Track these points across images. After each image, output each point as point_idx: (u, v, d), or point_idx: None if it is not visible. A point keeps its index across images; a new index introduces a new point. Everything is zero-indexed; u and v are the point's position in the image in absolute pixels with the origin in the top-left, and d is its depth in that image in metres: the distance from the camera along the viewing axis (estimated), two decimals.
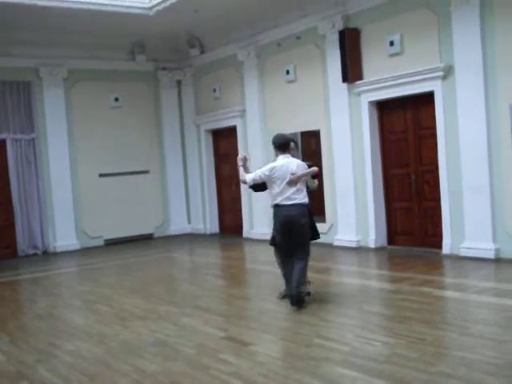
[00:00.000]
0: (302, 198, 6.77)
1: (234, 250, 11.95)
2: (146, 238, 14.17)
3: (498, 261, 8.48)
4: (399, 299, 6.74)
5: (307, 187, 6.97)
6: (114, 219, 13.73)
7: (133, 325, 6.40)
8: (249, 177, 6.93)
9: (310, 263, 9.47)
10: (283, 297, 7.04)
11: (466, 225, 8.95)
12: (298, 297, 6.56)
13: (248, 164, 7.23)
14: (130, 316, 6.82)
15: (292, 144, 7.05)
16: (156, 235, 14.42)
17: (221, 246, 12.85)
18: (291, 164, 6.79)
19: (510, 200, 8.44)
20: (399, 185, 10.28)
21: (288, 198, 6.70)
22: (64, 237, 13.08)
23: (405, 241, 10.23)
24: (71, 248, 13.06)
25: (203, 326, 6.18)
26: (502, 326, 5.48)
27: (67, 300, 8.36)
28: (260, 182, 6.93)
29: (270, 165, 6.89)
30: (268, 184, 6.90)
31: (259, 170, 6.91)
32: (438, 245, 9.41)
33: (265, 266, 9.77)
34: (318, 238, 7.22)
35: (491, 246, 8.61)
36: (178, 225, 14.68)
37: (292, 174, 6.70)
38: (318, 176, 7.28)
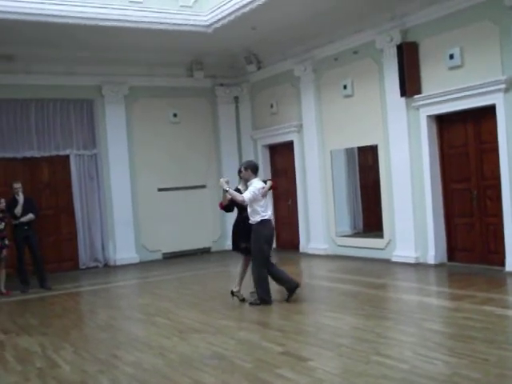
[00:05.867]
0: None
1: (290, 265, 11.89)
2: (204, 252, 14.31)
3: None
4: (460, 317, 6.59)
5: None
6: (172, 233, 13.93)
7: (191, 338, 6.48)
8: (246, 196, 7.78)
9: (368, 279, 9.47)
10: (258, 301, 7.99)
11: None
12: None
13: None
14: (188, 329, 6.90)
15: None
16: (213, 249, 14.55)
17: (277, 261, 12.78)
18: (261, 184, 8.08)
19: None
20: (460, 200, 10.07)
21: (270, 215, 8.06)
22: (124, 250, 13.36)
23: (465, 257, 9.99)
24: (131, 261, 13.32)
25: (260, 340, 6.19)
26: None
27: (127, 312, 8.53)
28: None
29: (257, 185, 7.91)
30: (253, 202, 7.84)
31: (251, 191, 7.81)
32: (501, 262, 9.15)
33: (322, 281, 9.74)
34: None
35: None
36: None
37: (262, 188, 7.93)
38: (275, 188, 8.53)
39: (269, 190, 8.08)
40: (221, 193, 8.32)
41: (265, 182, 8.17)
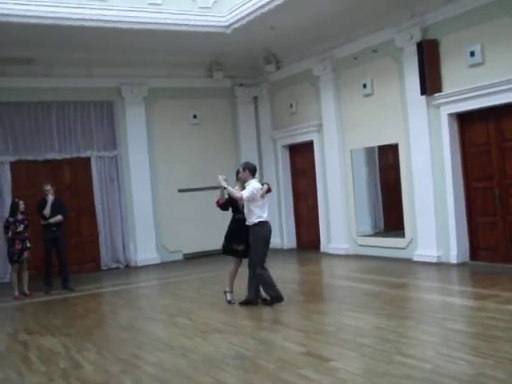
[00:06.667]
0: None
1: (311, 265, 11.91)
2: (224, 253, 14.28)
3: None
4: (484, 317, 6.51)
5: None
6: (193, 234, 13.97)
7: (212, 338, 6.48)
8: (244, 194, 7.82)
9: (389, 278, 9.40)
10: (271, 302, 7.95)
11: None
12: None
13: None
14: (210, 329, 6.91)
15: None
16: None
17: (298, 261, 12.83)
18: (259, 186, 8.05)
19: None
20: (482, 199, 9.96)
21: (267, 216, 7.98)
22: (145, 251, 13.43)
23: (488, 256, 9.88)
24: (152, 262, 13.38)
25: (282, 340, 6.18)
26: None
27: (148, 312, 8.57)
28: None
29: (257, 185, 7.95)
30: (251, 202, 7.84)
31: (249, 189, 7.81)
32: None
33: (343, 281, 9.71)
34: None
35: None
36: None
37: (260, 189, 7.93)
38: (271, 191, 8.32)
39: (265, 193, 8.08)
40: (219, 190, 8.27)
41: (262, 184, 8.16)
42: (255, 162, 14.69)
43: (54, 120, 12.79)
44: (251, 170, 8.09)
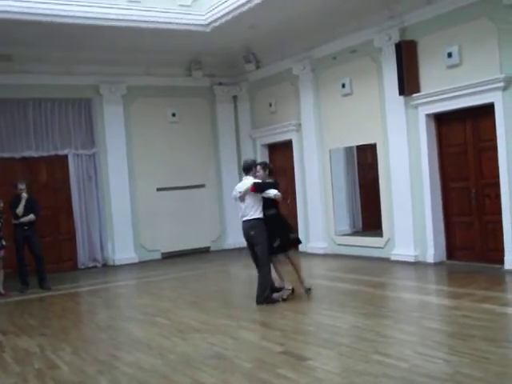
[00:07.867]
0: (253, 213, 7.91)
1: (289, 264, 11.88)
2: (203, 252, 14.29)
3: None
4: (460, 316, 6.58)
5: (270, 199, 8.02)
6: (171, 233, 13.92)
7: (191, 337, 6.46)
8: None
9: (367, 277, 9.44)
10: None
11: None
12: (259, 299, 7.97)
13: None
14: (188, 329, 6.89)
15: (258, 167, 8.17)
16: (212, 249, 14.52)
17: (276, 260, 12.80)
18: (244, 184, 7.95)
19: None
20: (458, 199, 10.06)
21: (242, 216, 7.97)
22: (123, 250, 13.33)
23: (465, 256, 9.98)
24: (130, 261, 13.29)
25: (260, 340, 6.19)
26: None
27: (126, 312, 8.52)
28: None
29: (244, 182, 8.04)
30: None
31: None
32: (500, 260, 9.14)
33: (321, 280, 9.72)
34: (300, 242, 8.90)
35: None
36: (235, 239, 14.52)
37: (240, 192, 7.92)
38: (252, 190, 7.87)
39: (259, 191, 7.91)
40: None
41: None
42: (234, 161, 14.79)
43: (31, 117, 12.64)
44: (242, 168, 8.27)
